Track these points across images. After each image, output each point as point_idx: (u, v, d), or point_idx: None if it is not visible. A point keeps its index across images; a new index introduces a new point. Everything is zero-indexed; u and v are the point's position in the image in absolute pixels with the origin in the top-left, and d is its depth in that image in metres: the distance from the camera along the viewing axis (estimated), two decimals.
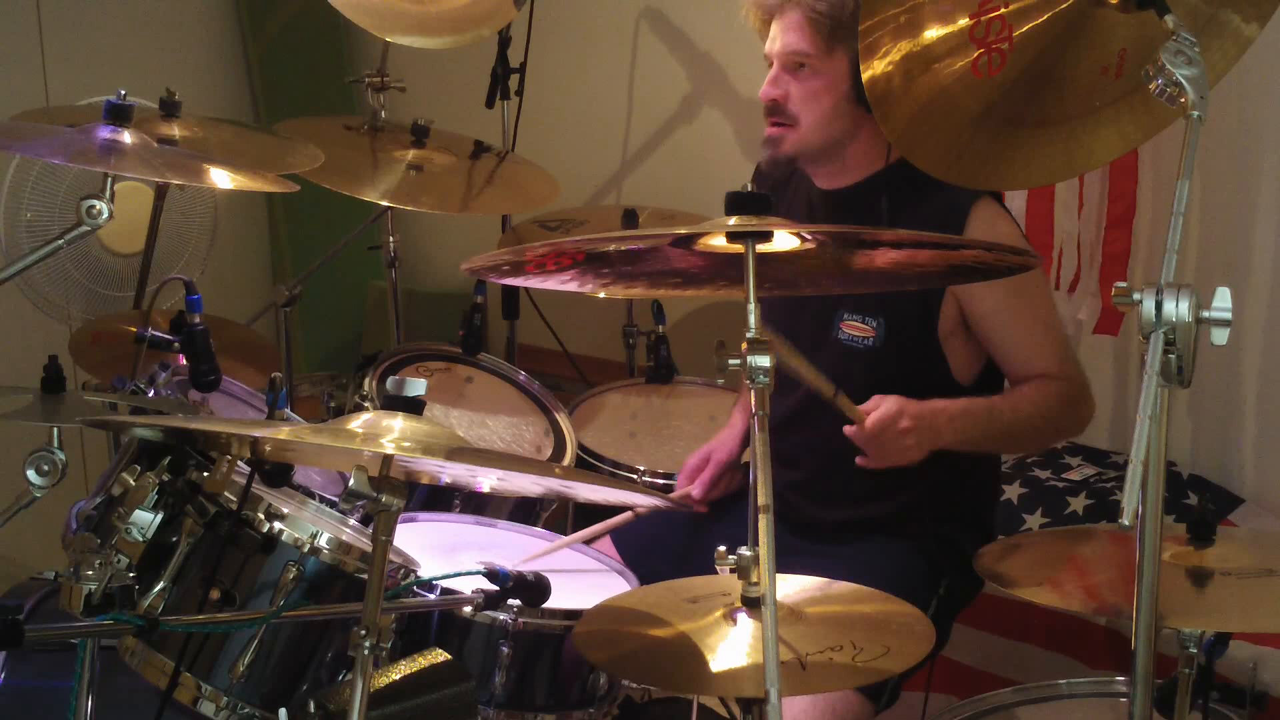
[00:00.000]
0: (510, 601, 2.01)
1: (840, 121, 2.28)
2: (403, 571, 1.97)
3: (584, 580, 2.28)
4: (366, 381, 2.83)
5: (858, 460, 2.18)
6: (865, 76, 1.69)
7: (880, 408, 2.14)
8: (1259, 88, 2.82)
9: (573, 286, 1.88)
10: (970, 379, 2.34)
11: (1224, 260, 2.99)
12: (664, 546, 2.51)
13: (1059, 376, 2.28)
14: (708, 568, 1.83)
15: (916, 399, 2.20)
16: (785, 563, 1.86)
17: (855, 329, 2.31)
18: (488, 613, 2.05)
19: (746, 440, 2.56)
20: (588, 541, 2.44)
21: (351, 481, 1.59)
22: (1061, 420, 2.31)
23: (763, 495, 1.57)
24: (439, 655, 1.79)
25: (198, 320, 2.32)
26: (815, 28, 2.24)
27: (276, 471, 1.77)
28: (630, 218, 3.29)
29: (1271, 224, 2.93)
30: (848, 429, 2.15)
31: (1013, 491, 2.98)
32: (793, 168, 2.39)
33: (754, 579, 1.73)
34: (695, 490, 2.51)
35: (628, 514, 2.47)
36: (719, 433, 2.60)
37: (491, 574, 1.99)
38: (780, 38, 2.29)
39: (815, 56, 2.26)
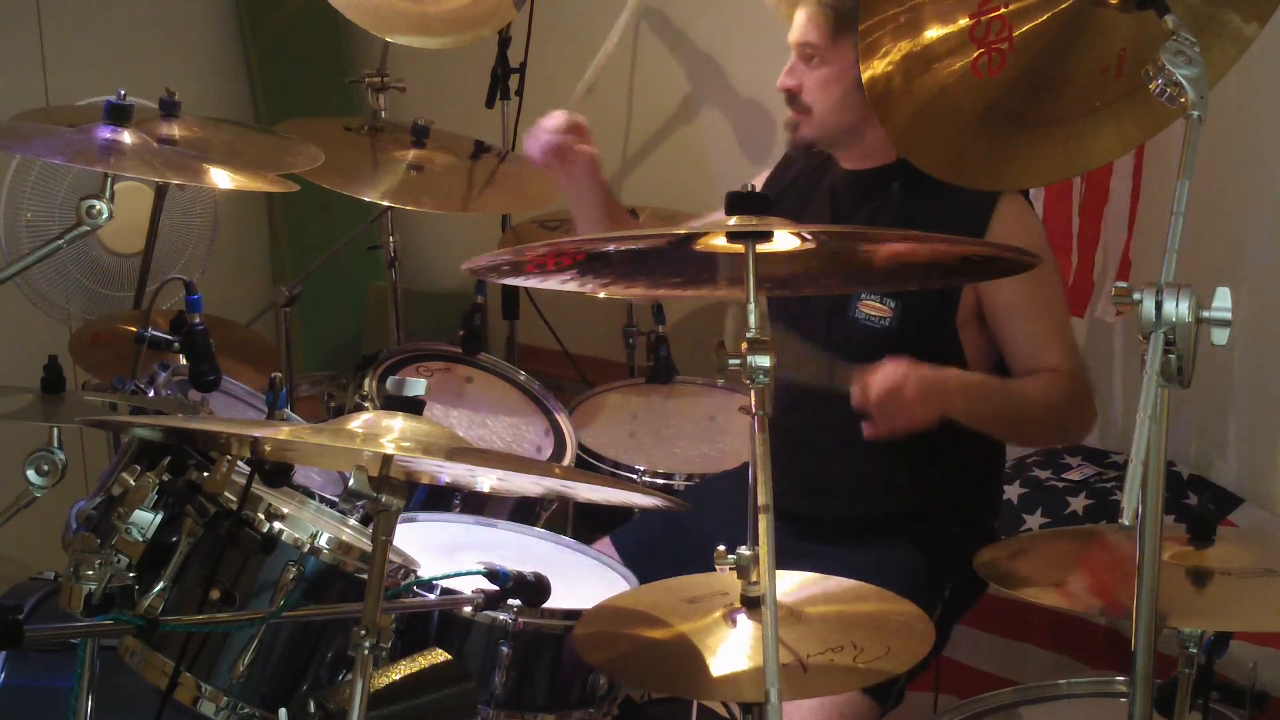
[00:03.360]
0: (510, 601, 2.01)
1: (851, 110, 2.31)
2: (403, 571, 1.97)
3: (584, 580, 2.28)
4: (366, 381, 2.83)
5: (864, 431, 2.12)
6: (865, 76, 1.68)
7: (885, 372, 2.11)
8: (1247, 88, 2.81)
9: (573, 286, 1.88)
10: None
11: (1208, 260, 2.98)
12: (662, 546, 2.51)
13: (1065, 372, 2.28)
14: (704, 567, 1.83)
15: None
16: (788, 565, 1.86)
17: (873, 309, 2.32)
18: (488, 613, 2.05)
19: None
20: None
21: (351, 481, 1.59)
22: (1067, 415, 2.31)
23: (763, 495, 1.57)
24: (439, 655, 1.79)
25: (198, 320, 2.32)
26: (823, 19, 2.30)
27: (276, 471, 1.77)
28: (630, 217, 3.29)
29: (1258, 224, 2.93)
30: (853, 396, 2.11)
31: (1013, 491, 2.97)
32: (819, 152, 2.41)
33: (754, 579, 1.73)
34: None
35: None
36: None
37: (491, 574, 1.99)
38: (797, 29, 2.34)
39: (822, 47, 2.31)
